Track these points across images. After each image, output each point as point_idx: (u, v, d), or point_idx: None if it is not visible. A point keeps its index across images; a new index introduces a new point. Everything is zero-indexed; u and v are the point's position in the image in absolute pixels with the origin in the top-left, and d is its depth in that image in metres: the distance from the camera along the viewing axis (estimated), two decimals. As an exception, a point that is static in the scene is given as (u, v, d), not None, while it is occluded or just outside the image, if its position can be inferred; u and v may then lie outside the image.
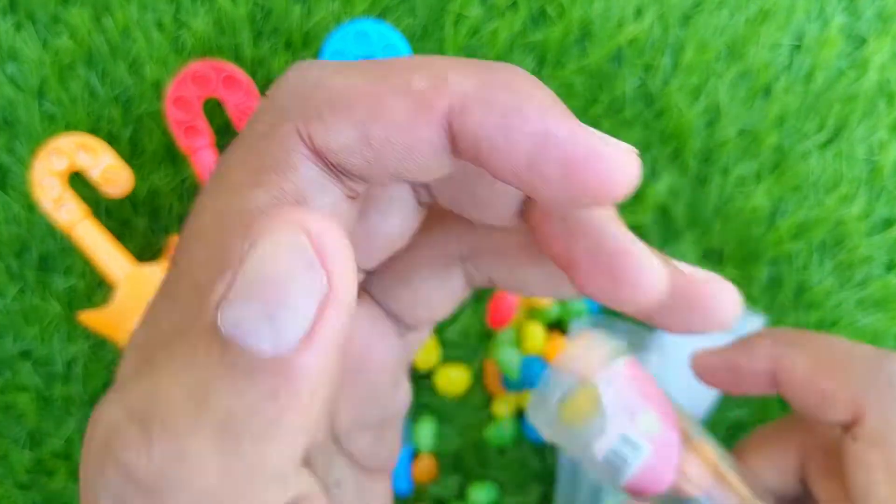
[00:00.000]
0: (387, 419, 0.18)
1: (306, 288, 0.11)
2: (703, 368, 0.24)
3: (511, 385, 0.39)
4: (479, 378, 0.40)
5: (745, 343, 0.23)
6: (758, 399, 0.40)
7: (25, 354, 0.39)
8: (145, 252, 0.38)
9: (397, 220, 0.17)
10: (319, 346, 0.11)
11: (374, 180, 0.14)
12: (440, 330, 0.40)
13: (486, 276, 0.18)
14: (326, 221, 0.11)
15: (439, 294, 0.18)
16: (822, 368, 0.20)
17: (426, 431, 0.40)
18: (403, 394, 0.19)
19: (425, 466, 0.40)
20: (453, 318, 0.39)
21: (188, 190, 0.37)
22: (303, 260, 0.11)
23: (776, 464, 0.23)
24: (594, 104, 0.38)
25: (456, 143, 0.13)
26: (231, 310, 0.11)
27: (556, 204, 0.13)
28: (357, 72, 0.14)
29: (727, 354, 0.24)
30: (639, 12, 0.39)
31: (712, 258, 0.40)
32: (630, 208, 0.39)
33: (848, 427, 0.20)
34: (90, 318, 0.36)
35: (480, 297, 0.39)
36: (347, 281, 0.12)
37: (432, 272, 0.17)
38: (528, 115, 0.13)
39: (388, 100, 0.13)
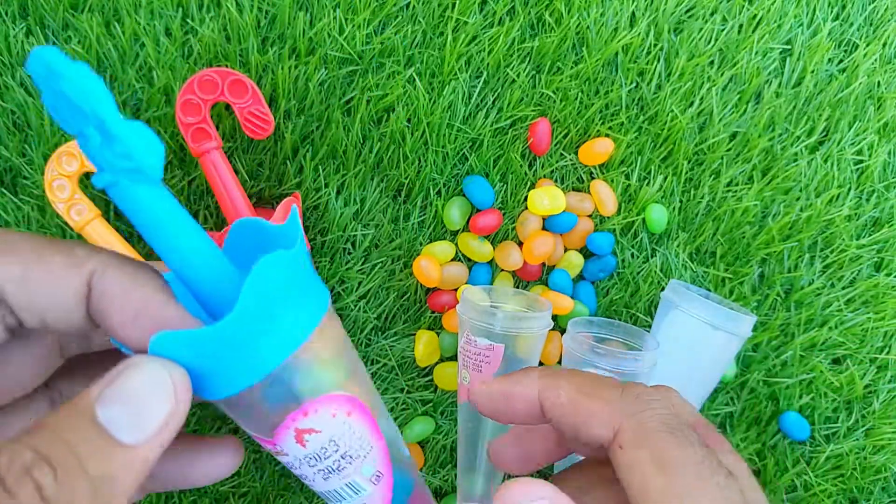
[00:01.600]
0: None
1: (162, 407, 0.18)
2: (481, 397, 0.26)
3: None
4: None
5: (515, 375, 0.26)
6: (748, 394, 0.41)
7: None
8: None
9: (31, 369, 0.22)
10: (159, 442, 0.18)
11: (26, 314, 0.18)
12: (439, 330, 0.41)
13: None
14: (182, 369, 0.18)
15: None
16: (583, 393, 0.23)
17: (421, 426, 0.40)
18: None
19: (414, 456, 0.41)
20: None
21: (196, 191, 0.38)
22: (164, 389, 0.18)
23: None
24: (589, 109, 0.39)
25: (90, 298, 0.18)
26: (106, 408, 0.18)
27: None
28: (24, 234, 0.19)
29: (501, 384, 0.25)
30: (633, 19, 0.39)
31: (704, 258, 0.41)
32: (623, 210, 0.40)
33: (608, 444, 0.22)
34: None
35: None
36: (185, 407, 0.19)
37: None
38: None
39: (48, 251, 0.18)
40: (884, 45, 0.41)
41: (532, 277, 0.40)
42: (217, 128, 0.37)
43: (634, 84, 0.40)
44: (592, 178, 0.40)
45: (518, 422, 0.25)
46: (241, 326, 0.19)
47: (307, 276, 0.21)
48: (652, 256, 0.41)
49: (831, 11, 0.41)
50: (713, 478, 0.20)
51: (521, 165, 0.39)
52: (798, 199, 0.41)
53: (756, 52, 0.40)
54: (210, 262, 0.19)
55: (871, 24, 0.41)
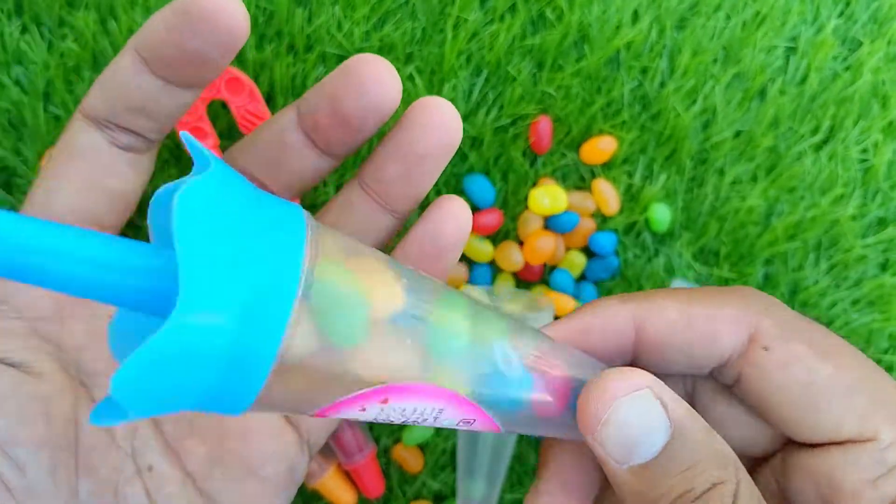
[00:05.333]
0: None
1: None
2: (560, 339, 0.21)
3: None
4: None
5: (587, 307, 0.21)
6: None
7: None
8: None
9: None
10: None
11: None
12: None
13: None
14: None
15: None
16: (699, 302, 0.19)
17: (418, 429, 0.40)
18: None
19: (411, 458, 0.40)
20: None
21: (192, 191, 0.38)
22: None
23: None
24: (591, 107, 0.39)
25: None
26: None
27: None
28: None
29: (575, 320, 0.20)
30: (636, 16, 0.39)
31: (708, 258, 0.40)
32: (626, 209, 0.40)
33: (737, 353, 0.19)
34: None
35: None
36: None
37: None
38: None
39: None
40: (889, 42, 0.41)
41: (533, 278, 0.40)
42: (213, 126, 0.37)
43: (637, 82, 0.39)
44: (594, 177, 0.40)
45: (601, 359, 0.21)
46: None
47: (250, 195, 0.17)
48: (655, 256, 0.40)
49: (836, 8, 0.40)
50: (868, 362, 0.18)
51: (522, 164, 0.39)
52: (803, 198, 0.40)
53: (760, 50, 0.40)
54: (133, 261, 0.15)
55: (875, 22, 0.41)
